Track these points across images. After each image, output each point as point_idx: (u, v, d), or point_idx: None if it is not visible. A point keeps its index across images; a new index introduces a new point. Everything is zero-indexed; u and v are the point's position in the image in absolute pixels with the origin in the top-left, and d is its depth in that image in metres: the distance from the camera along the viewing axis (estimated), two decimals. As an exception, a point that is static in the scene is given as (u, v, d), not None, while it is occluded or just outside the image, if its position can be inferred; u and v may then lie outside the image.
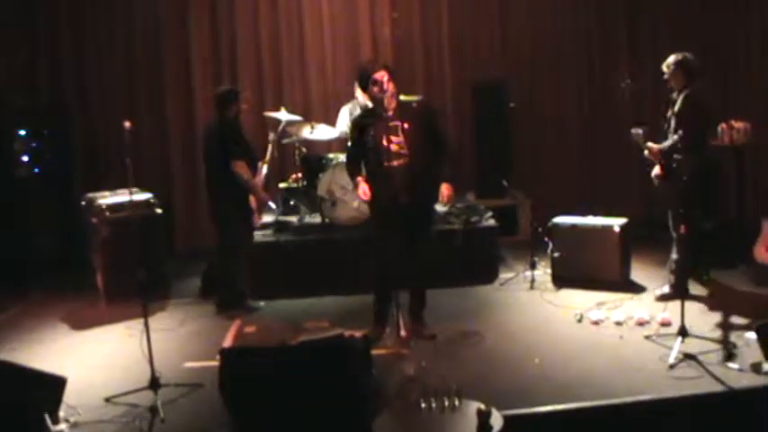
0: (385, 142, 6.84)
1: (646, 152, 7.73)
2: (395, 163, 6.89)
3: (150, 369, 6.28)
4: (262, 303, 8.50)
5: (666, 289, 7.85)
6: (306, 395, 5.35)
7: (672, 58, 7.63)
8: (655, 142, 7.68)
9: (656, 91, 10.40)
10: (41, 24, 10.95)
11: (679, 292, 7.27)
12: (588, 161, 11.22)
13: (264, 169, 8.11)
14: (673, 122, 7.64)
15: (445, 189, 7.13)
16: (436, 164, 7.11)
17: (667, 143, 7.59)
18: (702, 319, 7.13)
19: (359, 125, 7.25)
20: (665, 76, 7.70)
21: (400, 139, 6.93)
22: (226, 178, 7.74)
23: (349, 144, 7.54)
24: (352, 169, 7.25)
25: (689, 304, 6.79)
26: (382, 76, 7.00)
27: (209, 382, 6.10)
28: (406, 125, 6.95)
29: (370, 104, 8.18)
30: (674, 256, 7.77)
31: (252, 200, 7.74)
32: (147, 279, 6.43)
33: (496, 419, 4.39)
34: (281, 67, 11.37)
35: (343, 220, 9.28)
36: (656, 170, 7.72)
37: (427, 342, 7.14)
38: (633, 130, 7.71)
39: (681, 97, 7.58)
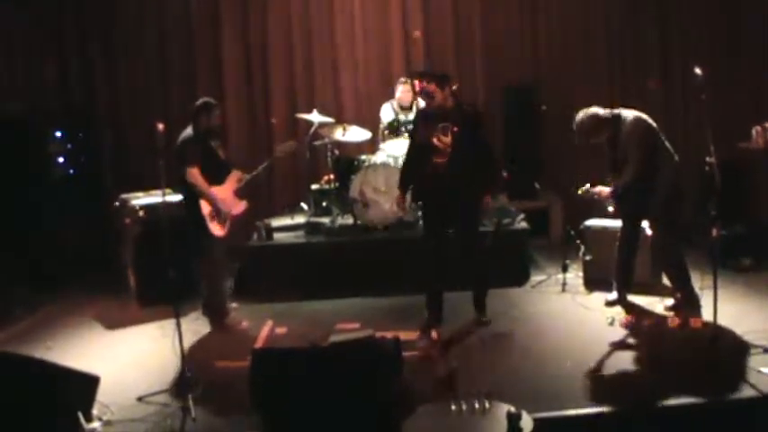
0: (435, 140, 7.29)
1: (596, 197, 7.68)
2: (440, 161, 7.30)
3: (182, 369, 6.32)
4: (234, 305, 8.51)
5: (672, 301, 7.78)
6: (336, 396, 5.36)
7: (578, 128, 7.55)
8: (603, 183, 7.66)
9: (684, 93, 10.38)
10: (72, 26, 11.07)
11: (690, 301, 7.37)
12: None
13: (237, 178, 8.04)
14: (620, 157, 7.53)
15: (487, 197, 7.61)
16: (480, 169, 7.40)
17: (621, 182, 7.47)
18: (735, 322, 7.05)
19: (417, 122, 7.82)
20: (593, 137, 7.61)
21: (448, 139, 7.26)
22: (181, 184, 7.73)
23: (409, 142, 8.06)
24: (408, 169, 7.79)
25: (723, 306, 6.70)
26: (433, 88, 7.42)
27: (240, 383, 6.12)
28: (455, 128, 7.27)
29: (404, 104, 9.46)
30: (667, 278, 7.87)
31: (204, 206, 7.67)
32: (179, 279, 6.46)
33: (527, 422, 4.38)
34: (312, 69, 11.41)
35: (376, 221, 9.29)
36: (611, 209, 7.92)
37: (458, 344, 7.14)
38: (580, 190, 7.72)
39: (619, 134, 7.49)
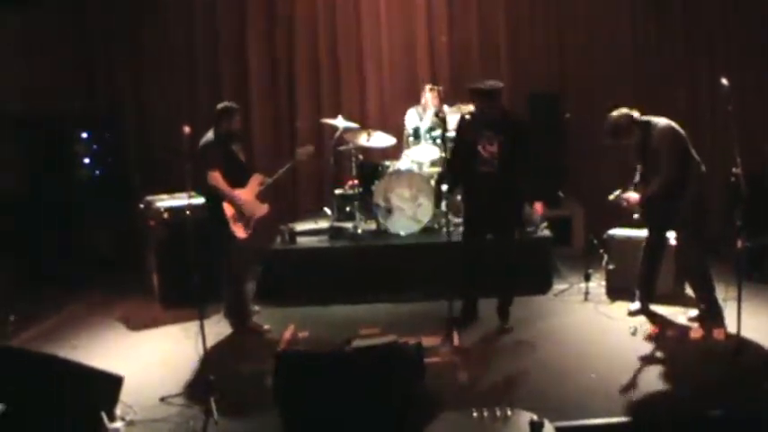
0: (480, 148, 7.49)
1: (624, 204, 7.66)
2: (484, 169, 7.51)
3: (204, 370, 6.35)
4: (257, 308, 8.54)
5: (695, 313, 7.72)
6: (358, 401, 5.37)
7: (618, 119, 7.50)
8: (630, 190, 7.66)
9: (711, 103, 10.34)
10: (99, 28, 11.17)
11: (713, 312, 7.33)
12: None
13: (259, 181, 8.06)
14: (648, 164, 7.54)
15: (537, 206, 8.07)
16: (521, 179, 7.66)
17: (650, 190, 7.46)
18: (759, 333, 7.01)
19: (463, 127, 7.89)
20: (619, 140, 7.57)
21: (494, 149, 7.46)
22: (203, 188, 7.76)
23: (454, 140, 8.11)
24: (450, 169, 7.95)
25: (747, 317, 6.67)
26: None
27: (263, 386, 6.15)
28: (502, 137, 7.46)
29: (433, 109, 9.60)
30: (690, 288, 7.85)
31: (227, 209, 7.70)
32: (202, 282, 6.50)
33: (549, 431, 4.37)
34: (338, 74, 11.44)
35: (399, 227, 9.30)
36: (637, 216, 7.75)
37: (480, 351, 7.14)
38: (612, 197, 7.73)
39: (647, 141, 7.46)
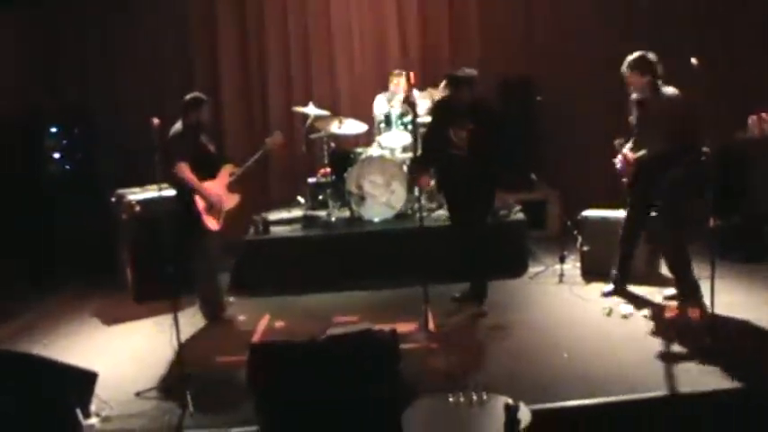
0: (452, 134, 7.68)
1: (619, 157, 7.61)
2: (455, 152, 7.67)
3: (179, 364, 6.33)
4: (231, 299, 8.55)
5: (671, 291, 7.74)
6: (334, 390, 5.35)
7: (630, 60, 7.38)
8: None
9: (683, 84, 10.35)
10: (67, 21, 11.08)
11: (690, 290, 7.28)
12: (617, 154, 11.14)
13: (229, 172, 8.04)
14: (645, 129, 7.44)
15: (501, 197, 8.17)
16: (492, 166, 7.72)
17: (640, 154, 7.40)
18: (733, 311, 7.05)
19: (437, 111, 8.19)
20: (626, 80, 7.47)
21: (463, 135, 7.60)
22: (172, 180, 7.73)
23: (429, 124, 8.39)
24: (426, 150, 8.04)
25: (719, 297, 6.70)
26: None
27: (238, 377, 6.13)
28: (472, 125, 7.60)
29: (401, 95, 9.79)
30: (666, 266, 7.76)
31: (198, 201, 7.68)
32: (175, 275, 6.46)
33: (524, 414, 4.37)
34: (308, 62, 11.41)
35: (373, 213, 9.30)
36: (624, 180, 7.66)
37: (455, 336, 7.15)
38: (616, 142, 7.67)
39: (655, 103, 7.32)
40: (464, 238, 7.92)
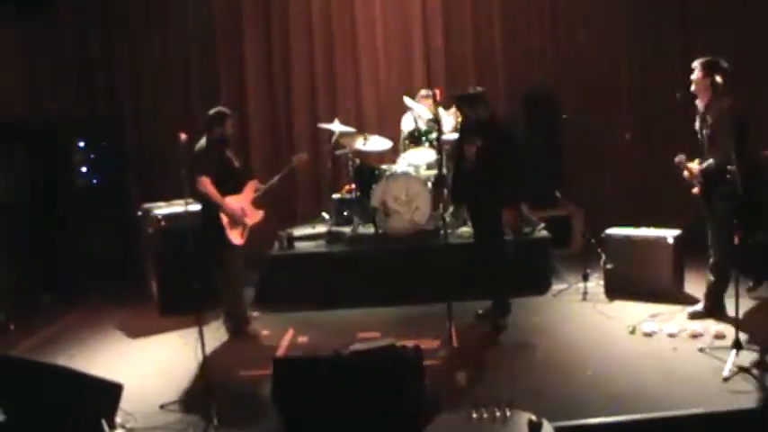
0: (465, 149, 7.79)
1: (686, 173, 7.55)
2: (467, 167, 7.78)
3: (204, 377, 6.36)
4: (255, 314, 8.57)
5: (699, 307, 7.71)
6: (357, 405, 5.37)
7: (702, 60, 7.37)
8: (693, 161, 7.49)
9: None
10: (96, 37, 11.20)
11: (712, 313, 7.27)
12: (641, 172, 11.13)
13: (254, 187, 8.07)
14: (706, 138, 7.38)
15: (507, 214, 8.03)
16: (501, 183, 7.71)
17: (704, 165, 7.33)
18: (758, 331, 7.02)
19: (458, 129, 8.53)
20: (692, 78, 7.42)
21: (473, 151, 7.66)
22: (197, 194, 7.76)
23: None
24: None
25: (744, 317, 6.70)
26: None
27: (262, 391, 6.15)
28: (480, 141, 7.64)
29: (427, 115, 9.72)
30: (711, 277, 7.62)
31: (221, 216, 7.71)
32: (200, 288, 6.50)
33: (547, 430, 4.38)
34: (334, 78, 11.47)
35: (397, 230, 9.32)
36: (695, 190, 7.54)
37: (479, 353, 7.15)
38: (677, 159, 7.57)
39: (709, 112, 7.28)
40: (480, 254, 8.00)
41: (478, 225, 8.08)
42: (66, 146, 10.48)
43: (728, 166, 6.64)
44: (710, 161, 7.24)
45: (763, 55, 10.63)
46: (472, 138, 7.71)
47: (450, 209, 9.21)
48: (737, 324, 6.44)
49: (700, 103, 7.40)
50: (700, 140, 7.48)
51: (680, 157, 7.54)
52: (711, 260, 7.54)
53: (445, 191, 8.70)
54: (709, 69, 7.25)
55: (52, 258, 10.04)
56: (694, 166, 7.41)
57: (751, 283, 8.16)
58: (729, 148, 6.70)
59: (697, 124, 7.49)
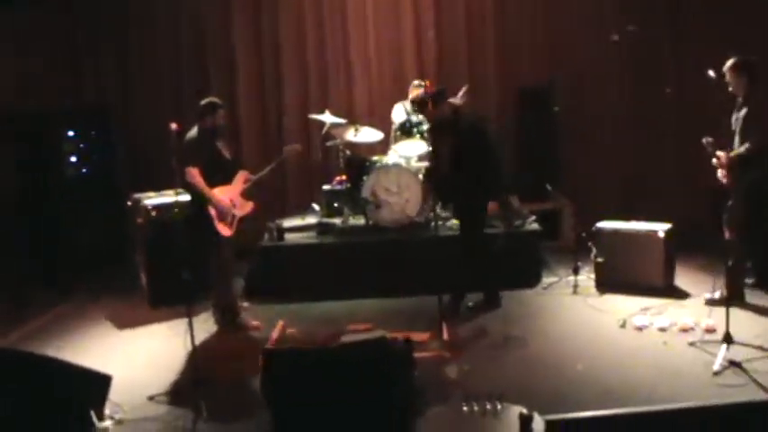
0: (440, 151, 8.05)
1: (714, 160, 7.62)
2: (443, 168, 7.98)
3: (193, 369, 6.34)
4: (245, 305, 8.57)
5: (717, 294, 7.72)
6: (347, 397, 5.36)
7: (732, 61, 7.54)
8: (724, 149, 7.58)
9: (701, 97, 10.29)
10: (85, 26, 11.14)
11: (730, 299, 7.12)
12: (632, 165, 11.12)
13: (244, 178, 8.04)
14: (738, 129, 7.55)
15: (491, 207, 8.14)
16: (477, 179, 7.83)
17: (733, 153, 7.47)
18: (748, 325, 7.03)
19: (432, 129, 8.72)
20: (727, 80, 7.56)
21: (445, 150, 7.86)
22: (186, 185, 7.74)
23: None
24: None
25: (734, 311, 6.71)
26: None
27: (252, 383, 6.14)
28: (452, 138, 7.85)
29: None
30: (729, 262, 7.57)
31: (210, 208, 7.69)
32: (190, 279, 6.48)
33: (538, 424, 4.37)
34: (325, 70, 11.43)
35: (388, 222, 9.30)
36: (723, 178, 7.58)
37: (470, 345, 7.15)
38: (704, 140, 7.62)
39: (746, 104, 7.50)
40: (467, 249, 8.04)
41: (464, 221, 8.16)
42: (56, 136, 10.41)
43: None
44: (741, 149, 7.41)
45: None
46: (445, 135, 7.88)
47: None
48: (728, 318, 6.45)
49: (738, 99, 7.60)
50: (733, 131, 7.65)
51: (707, 139, 7.60)
52: (728, 246, 7.54)
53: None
54: (741, 69, 7.51)
55: (41, 249, 9.99)
56: (723, 153, 7.52)
57: (752, 280, 8.13)
58: (760, 136, 7.18)
59: (733, 118, 7.64)
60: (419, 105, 8.37)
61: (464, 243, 8.10)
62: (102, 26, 11.17)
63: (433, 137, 8.24)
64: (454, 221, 9.20)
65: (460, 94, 8.98)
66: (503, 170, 8.49)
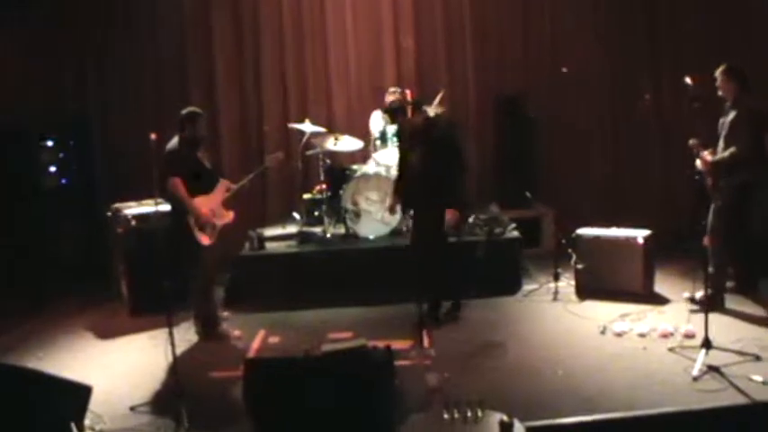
0: (409, 157, 8.01)
1: (698, 162, 7.71)
2: (411, 175, 8.01)
3: (174, 378, 6.33)
4: (226, 314, 8.57)
5: (698, 295, 7.76)
6: (328, 405, 5.36)
7: (724, 65, 7.69)
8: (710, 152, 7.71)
9: (676, 103, 10.37)
10: (65, 35, 11.08)
11: (709, 305, 7.14)
12: (611, 172, 11.20)
13: (225, 187, 8.03)
14: (724, 133, 7.68)
15: (448, 214, 7.82)
16: (441, 184, 7.80)
17: (718, 156, 7.61)
18: (726, 330, 7.09)
19: (399, 136, 8.63)
20: (717, 85, 7.72)
21: (414, 157, 7.91)
22: (166, 194, 7.73)
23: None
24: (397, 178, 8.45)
25: (713, 316, 6.77)
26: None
27: (233, 392, 6.13)
28: (421, 146, 7.90)
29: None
30: (710, 269, 7.65)
31: (190, 217, 7.68)
32: (171, 289, 6.47)
33: (519, 430, 4.38)
34: (305, 79, 11.43)
35: (368, 230, 9.31)
36: (708, 180, 7.70)
37: (450, 353, 7.15)
38: (690, 141, 7.69)
39: (734, 108, 7.64)
40: (426, 257, 7.93)
41: (423, 228, 8.05)
42: (34, 146, 10.37)
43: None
44: (725, 153, 7.55)
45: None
46: (415, 142, 7.90)
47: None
48: (707, 323, 6.49)
49: (726, 104, 7.76)
50: (718, 135, 7.79)
51: (694, 141, 7.73)
52: (710, 251, 7.63)
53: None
54: (732, 74, 7.67)
55: (20, 259, 9.95)
56: (707, 156, 7.67)
57: (732, 284, 8.19)
58: (748, 141, 7.37)
59: (719, 123, 7.80)
60: (390, 113, 8.32)
61: (426, 252, 7.98)
62: (83, 36, 11.11)
63: (403, 144, 8.21)
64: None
65: (436, 101, 9.02)
66: (465, 180, 8.67)
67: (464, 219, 9.18)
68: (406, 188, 8.15)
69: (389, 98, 9.59)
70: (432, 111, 8.53)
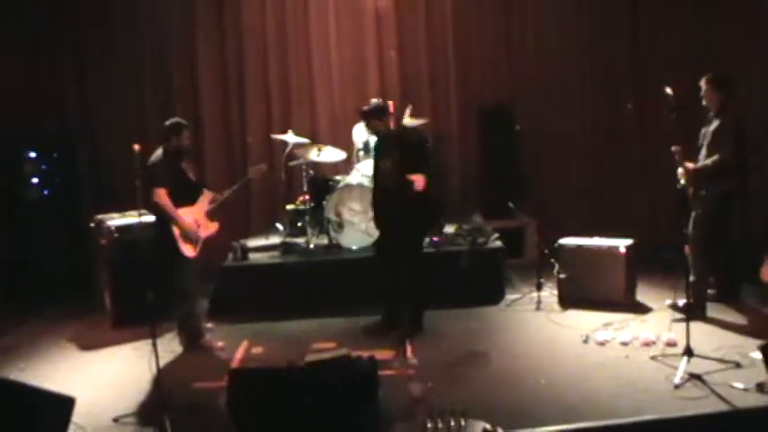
0: (382, 165, 8.05)
1: (680, 170, 7.77)
2: (383, 184, 8.06)
3: (158, 389, 6.31)
4: (209, 325, 8.57)
5: (681, 302, 7.84)
6: (312, 416, 5.36)
7: (709, 75, 7.78)
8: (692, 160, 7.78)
9: (659, 112, 10.40)
10: (47, 47, 11.08)
11: (691, 313, 7.18)
12: (594, 182, 11.24)
13: (209, 198, 8.03)
14: (707, 142, 7.75)
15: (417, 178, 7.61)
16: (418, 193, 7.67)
17: (701, 164, 7.70)
18: (708, 339, 7.13)
19: (374, 146, 8.51)
20: (701, 94, 7.81)
21: (388, 165, 7.92)
22: (150, 206, 7.72)
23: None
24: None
25: (695, 324, 6.81)
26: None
27: (217, 403, 6.12)
28: (397, 154, 7.87)
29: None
30: (691, 277, 7.70)
31: (174, 229, 7.68)
32: (154, 300, 6.46)
33: (502, 439, 4.40)
34: (288, 90, 11.46)
35: (351, 241, 9.32)
36: (690, 190, 7.77)
37: (434, 363, 7.15)
38: (673, 148, 7.74)
39: (718, 117, 7.71)
40: (403, 265, 7.92)
41: (397, 236, 7.91)
42: (17, 157, 10.35)
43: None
44: (708, 161, 7.63)
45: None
46: (390, 152, 7.90)
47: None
48: (688, 331, 6.53)
49: (710, 114, 7.85)
50: (700, 145, 7.87)
51: (676, 148, 7.73)
52: (691, 260, 7.67)
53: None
54: (717, 83, 7.75)
55: (2, 270, 9.91)
56: (690, 164, 7.73)
57: (714, 292, 8.24)
58: (731, 149, 7.46)
59: (702, 132, 7.88)
60: (364, 115, 8.26)
61: (399, 257, 7.97)
62: (65, 48, 11.12)
63: (377, 151, 8.22)
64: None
65: (407, 114, 9.09)
66: (440, 185, 8.81)
67: (440, 224, 9.23)
68: (377, 197, 8.19)
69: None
70: (407, 122, 8.58)
